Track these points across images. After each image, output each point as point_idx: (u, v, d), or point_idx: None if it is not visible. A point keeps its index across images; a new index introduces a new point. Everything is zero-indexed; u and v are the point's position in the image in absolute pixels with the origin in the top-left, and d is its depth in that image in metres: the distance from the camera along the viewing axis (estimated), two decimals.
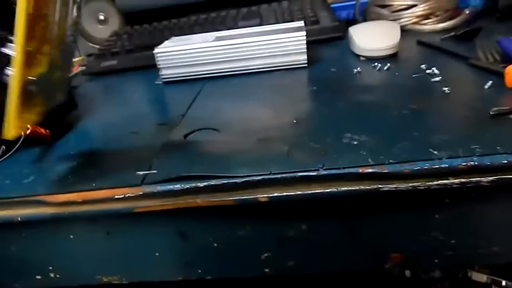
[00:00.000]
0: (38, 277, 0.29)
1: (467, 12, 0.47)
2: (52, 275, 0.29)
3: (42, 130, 0.30)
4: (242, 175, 0.22)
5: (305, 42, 0.41)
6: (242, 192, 0.23)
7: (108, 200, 0.23)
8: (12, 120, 0.22)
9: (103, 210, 0.24)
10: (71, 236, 0.27)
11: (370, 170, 0.21)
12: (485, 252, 0.25)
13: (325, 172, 0.22)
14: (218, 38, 0.44)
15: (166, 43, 0.46)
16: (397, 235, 0.25)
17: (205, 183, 0.23)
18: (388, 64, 0.38)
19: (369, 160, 0.22)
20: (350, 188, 0.22)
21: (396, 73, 0.35)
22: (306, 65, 0.42)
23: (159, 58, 0.43)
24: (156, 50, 0.43)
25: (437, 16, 0.52)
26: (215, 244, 0.27)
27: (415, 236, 0.25)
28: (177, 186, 0.23)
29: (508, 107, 0.24)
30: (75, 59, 0.69)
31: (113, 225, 0.26)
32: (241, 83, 0.41)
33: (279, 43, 0.41)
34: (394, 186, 0.21)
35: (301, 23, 0.46)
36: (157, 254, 0.27)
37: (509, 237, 0.24)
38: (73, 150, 0.30)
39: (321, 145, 0.24)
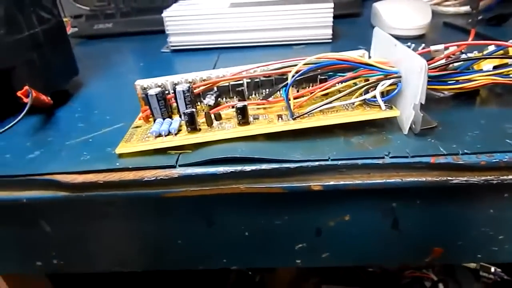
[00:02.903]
0: (38, 263, 0.26)
1: None
2: (55, 261, 0.26)
3: (44, 97, 0.25)
4: (297, 159, 0.19)
5: (332, 15, 0.38)
6: (294, 179, 0.20)
7: (135, 184, 0.20)
8: None
9: (128, 194, 0.20)
10: (82, 220, 0.23)
11: (442, 161, 0.19)
12: None
13: (390, 161, 0.19)
14: (233, 5, 0.40)
15: (175, 6, 0.41)
16: (446, 229, 0.23)
17: (253, 167, 0.20)
18: (423, 45, 0.35)
19: (441, 149, 0.19)
20: (416, 179, 0.19)
21: None
22: (331, 40, 0.39)
23: (168, 23, 0.39)
24: (165, 14, 0.39)
25: None
26: (246, 233, 0.24)
27: (465, 230, 0.23)
28: (220, 170, 0.20)
29: None
30: None
31: (134, 209, 0.23)
32: (261, 57, 0.37)
33: (303, 14, 0.38)
34: (465, 178, 0.19)
35: None
36: (179, 241, 0.25)
37: None
38: (82, 122, 0.26)
39: (378, 129, 0.21)
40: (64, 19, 0.63)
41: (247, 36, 0.39)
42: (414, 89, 0.19)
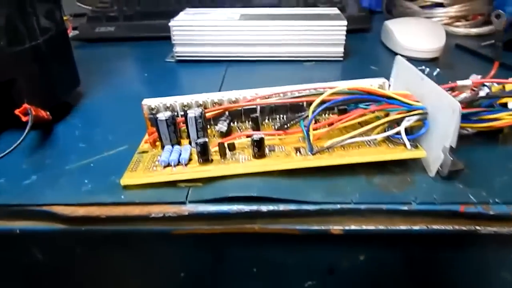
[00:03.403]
0: None
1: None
2: None
3: (43, 113, 0.24)
4: (318, 201, 0.18)
5: (345, 33, 0.37)
6: (312, 221, 0.19)
7: (142, 219, 0.18)
8: None
9: (132, 230, 0.19)
10: (79, 252, 0.22)
11: (472, 210, 0.18)
12: None
13: (417, 207, 0.18)
14: (243, 17, 0.39)
15: (182, 15, 0.40)
16: (463, 275, 0.22)
17: (270, 208, 0.18)
18: (438, 70, 0.34)
19: (470, 197, 0.18)
20: (442, 227, 0.18)
21: (450, 82, 0.32)
22: (342, 58, 0.38)
23: (175, 33, 0.37)
24: (172, 23, 0.37)
25: (468, 20, 0.49)
26: (254, 269, 0.23)
27: (484, 277, 0.22)
28: (234, 209, 0.18)
29: None
30: None
31: (137, 243, 0.21)
32: (270, 72, 0.36)
33: (316, 31, 0.37)
34: (495, 229, 0.18)
35: (336, 10, 0.41)
36: (182, 274, 0.23)
37: None
38: (83, 141, 0.24)
39: (402, 168, 0.20)
40: (64, 18, 0.61)
41: (256, 50, 0.38)
42: (444, 130, 0.18)
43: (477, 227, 0.18)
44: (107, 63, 0.40)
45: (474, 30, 0.46)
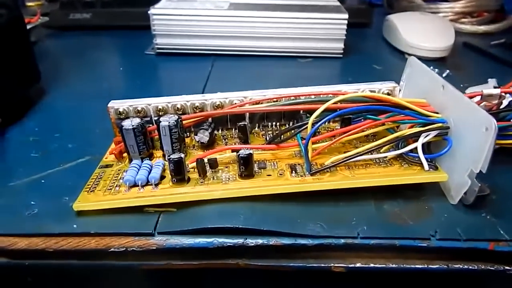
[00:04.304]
0: None
1: None
2: None
3: None
4: (317, 235, 0.15)
5: (345, 27, 0.33)
6: (310, 256, 0.15)
7: (98, 254, 0.15)
8: None
9: (87, 265, 0.15)
10: (30, 280, 0.18)
11: (504, 248, 0.15)
12: None
13: (437, 244, 0.15)
14: (233, 6, 0.35)
15: (164, 2, 0.36)
16: None
17: (258, 241, 0.15)
18: (447, 71, 0.31)
19: (501, 231, 0.15)
20: (465, 267, 0.15)
21: (461, 85, 0.29)
22: (341, 55, 0.34)
23: (155, 22, 0.33)
24: (152, 11, 0.33)
25: (474, 16, 0.46)
26: None
27: None
28: (214, 243, 0.15)
29: None
30: (32, 3, 0.55)
31: (96, 277, 0.17)
32: (261, 68, 0.33)
33: (314, 24, 0.33)
34: None
35: (335, 1, 0.38)
36: None
37: None
38: (36, 150, 0.20)
39: (417, 192, 0.17)
40: (36, 3, 0.56)
41: (246, 43, 0.34)
42: (472, 150, 0.15)
43: (507, 267, 0.15)
44: (79, 55, 0.36)
45: (482, 28, 0.43)
